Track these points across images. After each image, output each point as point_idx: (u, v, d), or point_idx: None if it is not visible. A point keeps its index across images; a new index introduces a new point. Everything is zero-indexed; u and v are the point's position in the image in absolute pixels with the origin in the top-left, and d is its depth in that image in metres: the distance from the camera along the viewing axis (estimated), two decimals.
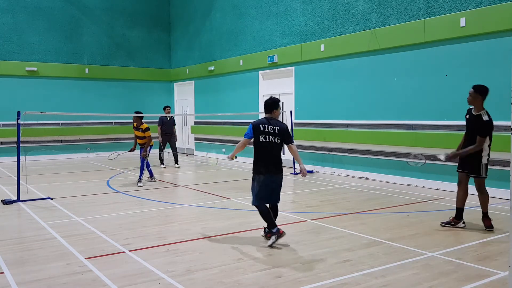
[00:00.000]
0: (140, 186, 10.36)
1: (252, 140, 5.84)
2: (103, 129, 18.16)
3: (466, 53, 9.19)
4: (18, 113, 8.68)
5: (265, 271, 4.71)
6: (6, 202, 8.41)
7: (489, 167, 6.44)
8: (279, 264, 4.94)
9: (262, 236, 5.93)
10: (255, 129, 5.76)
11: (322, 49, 12.33)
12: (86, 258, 5.14)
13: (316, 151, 12.63)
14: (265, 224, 5.81)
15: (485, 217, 6.43)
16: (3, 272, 4.72)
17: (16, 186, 8.71)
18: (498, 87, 8.62)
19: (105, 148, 18.04)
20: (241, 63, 15.56)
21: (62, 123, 17.40)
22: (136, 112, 11.12)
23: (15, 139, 8.91)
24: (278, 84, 14.33)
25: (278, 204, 5.94)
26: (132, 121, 11.24)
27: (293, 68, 13.50)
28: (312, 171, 12.54)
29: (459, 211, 6.48)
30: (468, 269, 4.70)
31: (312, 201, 8.49)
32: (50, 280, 4.49)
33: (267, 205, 5.80)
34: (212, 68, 17.05)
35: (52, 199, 8.82)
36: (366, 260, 5.03)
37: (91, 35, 18.15)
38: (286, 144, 5.84)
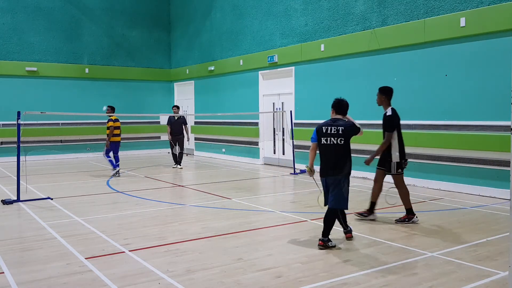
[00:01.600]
0: (118, 176, 12.03)
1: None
2: (103, 129, 18.02)
3: (466, 53, 9.19)
4: (18, 113, 8.68)
5: (265, 271, 4.71)
6: (6, 202, 8.41)
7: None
8: (279, 264, 4.94)
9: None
10: (318, 132, 5.75)
11: (322, 49, 12.33)
12: (86, 258, 5.14)
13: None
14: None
15: (409, 213, 6.72)
16: (3, 272, 4.72)
17: (16, 186, 8.71)
18: (498, 87, 8.64)
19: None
20: (241, 63, 15.55)
21: (62, 123, 17.39)
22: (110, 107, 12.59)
23: (15, 139, 8.91)
24: (278, 84, 14.33)
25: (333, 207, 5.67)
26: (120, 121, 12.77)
27: (293, 68, 13.50)
28: None
29: (372, 204, 6.86)
30: (468, 269, 4.70)
31: (312, 201, 8.48)
32: (50, 280, 4.49)
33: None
34: (212, 68, 17.05)
35: (52, 199, 8.82)
36: (366, 260, 5.03)
37: (91, 35, 18.15)
38: (356, 135, 5.69)
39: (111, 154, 12.28)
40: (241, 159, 15.70)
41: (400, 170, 6.68)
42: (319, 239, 5.57)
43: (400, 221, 6.71)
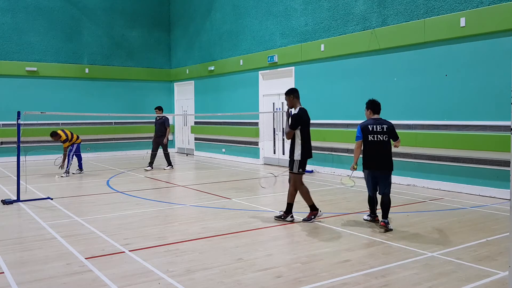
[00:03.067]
0: (68, 176, 12.18)
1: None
2: (103, 129, 18.15)
3: (466, 53, 9.19)
4: (18, 113, 8.68)
5: (265, 271, 4.71)
6: (6, 202, 8.41)
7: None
8: (279, 264, 4.94)
9: (364, 220, 6.83)
10: (364, 130, 6.41)
11: (322, 49, 12.33)
12: (86, 258, 5.14)
13: (316, 151, 12.57)
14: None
15: (313, 210, 6.82)
16: (3, 272, 4.72)
17: (16, 186, 8.71)
18: (498, 87, 8.64)
19: (105, 148, 18.08)
20: (241, 63, 15.56)
21: (62, 123, 17.37)
22: (52, 133, 12.30)
23: (15, 139, 8.91)
24: (278, 84, 14.32)
25: (387, 195, 6.40)
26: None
27: (293, 68, 13.50)
28: (312, 171, 12.54)
29: (289, 206, 6.87)
30: (468, 269, 4.70)
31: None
32: (50, 280, 4.49)
33: (379, 196, 6.51)
34: (212, 68, 17.05)
35: (52, 199, 8.82)
36: (366, 260, 5.03)
37: (91, 35, 18.15)
38: (394, 141, 6.48)
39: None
40: (241, 159, 15.70)
41: (301, 170, 6.76)
42: (381, 221, 6.28)
43: (307, 219, 6.78)
